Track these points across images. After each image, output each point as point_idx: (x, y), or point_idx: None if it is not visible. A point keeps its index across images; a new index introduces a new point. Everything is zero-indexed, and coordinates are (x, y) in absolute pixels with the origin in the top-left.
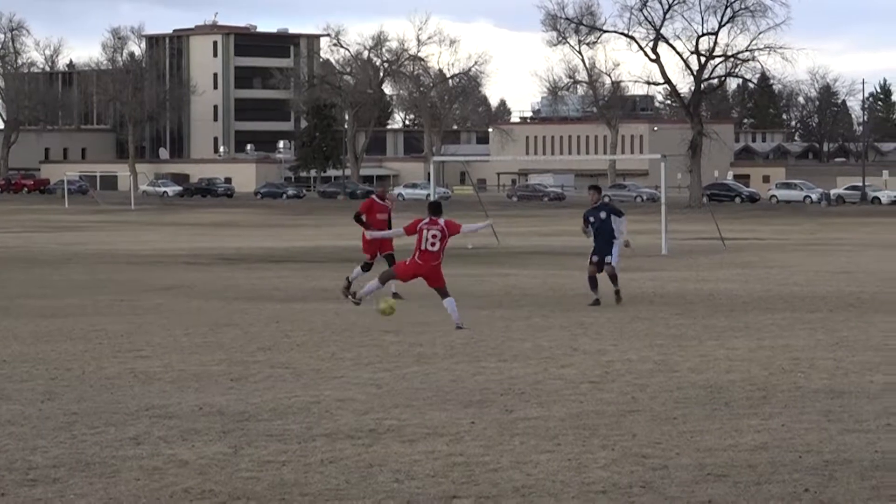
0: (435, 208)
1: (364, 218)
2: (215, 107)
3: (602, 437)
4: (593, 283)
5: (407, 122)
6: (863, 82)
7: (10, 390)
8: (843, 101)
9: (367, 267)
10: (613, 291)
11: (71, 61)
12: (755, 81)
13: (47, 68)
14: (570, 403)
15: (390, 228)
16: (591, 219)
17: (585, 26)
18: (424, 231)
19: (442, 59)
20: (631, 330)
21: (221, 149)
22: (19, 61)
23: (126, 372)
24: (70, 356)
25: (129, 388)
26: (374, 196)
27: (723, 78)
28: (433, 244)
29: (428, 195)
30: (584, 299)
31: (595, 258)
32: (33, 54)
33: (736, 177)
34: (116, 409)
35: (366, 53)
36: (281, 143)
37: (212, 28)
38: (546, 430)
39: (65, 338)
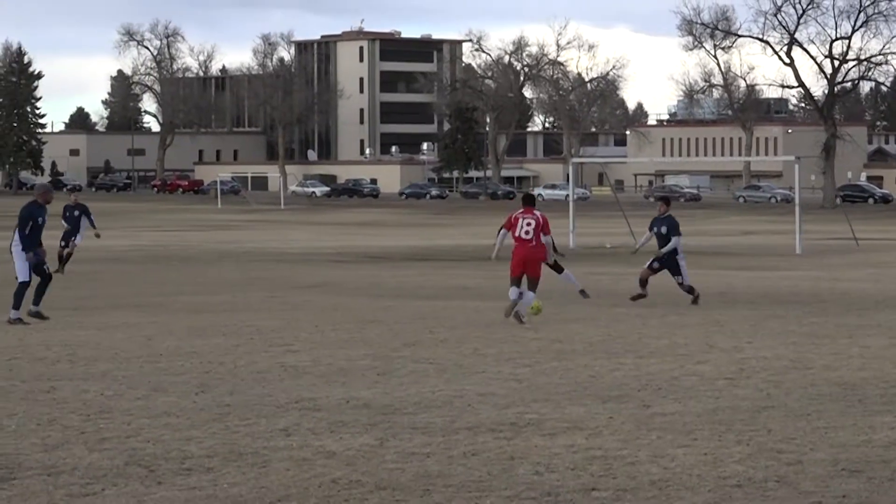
0: (528, 199)
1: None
2: (361, 110)
3: (737, 433)
4: (643, 283)
5: (546, 125)
6: None
7: (166, 383)
8: None
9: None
10: (692, 300)
11: (223, 66)
12: (888, 84)
13: (201, 73)
14: (706, 399)
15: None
16: (655, 229)
17: (721, 31)
18: (520, 220)
19: (581, 64)
20: (765, 328)
21: (367, 151)
22: (174, 67)
23: (276, 366)
24: (223, 350)
25: (279, 381)
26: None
27: (856, 81)
28: (527, 232)
29: (567, 196)
30: (718, 298)
31: (656, 265)
32: (188, 60)
33: (869, 178)
34: (267, 401)
35: (506, 58)
36: (424, 145)
37: (358, 34)
38: (682, 426)
39: (218, 333)
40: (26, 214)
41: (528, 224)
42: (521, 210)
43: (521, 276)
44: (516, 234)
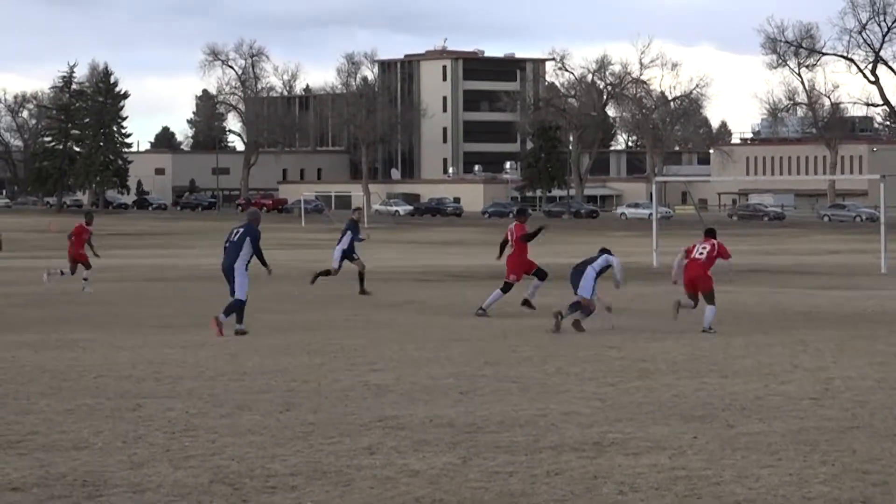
0: (710, 232)
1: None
2: (444, 129)
3: (822, 453)
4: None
5: (630, 144)
6: None
7: (251, 401)
8: None
9: (507, 288)
10: (558, 313)
11: (307, 86)
12: None
13: (285, 93)
14: (790, 419)
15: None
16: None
17: (805, 49)
18: (697, 246)
19: (664, 82)
20: (851, 348)
21: (450, 169)
22: (259, 86)
23: (360, 384)
24: (307, 369)
25: (362, 399)
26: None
27: None
28: (701, 253)
29: (650, 215)
30: (802, 317)
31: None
32: (272, 79)
33: None
34: (351, 420)
35: (590, 77)
36: (507, 164)
37: (441, 53)
38: (767, 445)
39: (302, 351)
40: (257, 237)
41: (704, 248)
42: (701, 240)
43: (695, 293)
44: (691, 256)
